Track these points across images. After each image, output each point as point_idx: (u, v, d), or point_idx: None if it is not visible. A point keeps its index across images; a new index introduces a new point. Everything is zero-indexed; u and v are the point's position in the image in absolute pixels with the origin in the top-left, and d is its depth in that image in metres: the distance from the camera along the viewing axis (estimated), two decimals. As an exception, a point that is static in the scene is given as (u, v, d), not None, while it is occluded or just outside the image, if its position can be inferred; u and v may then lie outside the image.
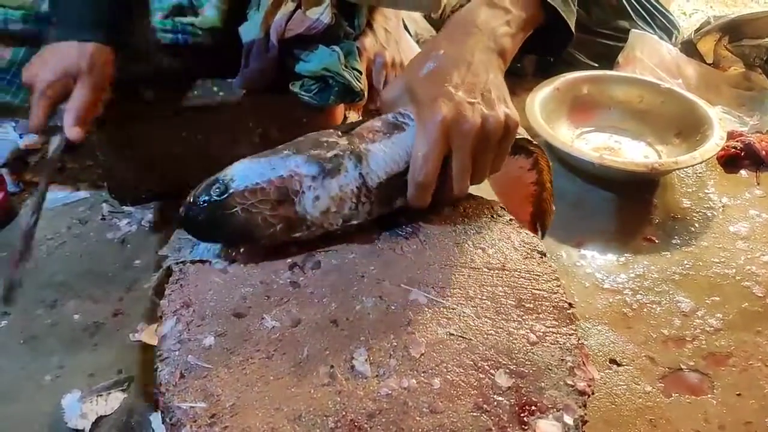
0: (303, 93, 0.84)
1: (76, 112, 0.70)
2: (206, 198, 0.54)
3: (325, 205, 0.55)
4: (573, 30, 0.66)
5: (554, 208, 0.73)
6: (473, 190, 0.64)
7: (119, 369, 0.74)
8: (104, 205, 0.98)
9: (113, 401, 0.70)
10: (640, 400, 0.73)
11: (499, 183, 0.73)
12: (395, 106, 0.62)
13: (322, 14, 0.82)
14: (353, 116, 0.96)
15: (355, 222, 0.58)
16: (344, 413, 0.45)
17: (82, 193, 1.00)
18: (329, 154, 0.56)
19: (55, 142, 0.68)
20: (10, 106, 0.88)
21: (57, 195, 1.00)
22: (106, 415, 0.69)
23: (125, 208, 0.97)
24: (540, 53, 0.69)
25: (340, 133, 0.59)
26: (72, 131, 0.70)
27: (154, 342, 0.75)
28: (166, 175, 0.96)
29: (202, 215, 0.54)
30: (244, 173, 0.55)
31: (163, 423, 0.48)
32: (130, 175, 0.95)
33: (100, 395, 0.70)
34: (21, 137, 1.10)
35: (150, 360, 0.74)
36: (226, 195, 0.54)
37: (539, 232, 0.72)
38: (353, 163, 0.56)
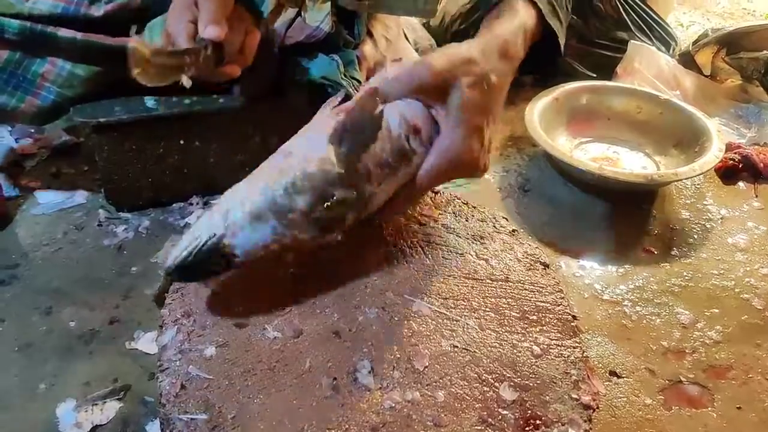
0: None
1: (207, 15, 0.70)
2: (207, 269, 0.53)
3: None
4: (562, 47, 0.69)
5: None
6: (474, 199, 0.64)
7: (115, 378, 0.72)
8: (101, 211, 0.97)
9: (109, 410, 0.69)
10: (640, 412, 0.73)
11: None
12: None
13: (322, 22, 0.82)
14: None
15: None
16: (347, 426, 0.45)
17: (79, 199, 0.99)
18: (334, 214, 0.53)
19: (203, 48, 0.69)
20: (6, 108, 0.87)
21: (53, 200, 0.99)
22: (101, 425, 0.67)
23: (122, 214, 0.97)
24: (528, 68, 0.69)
25: (340, 167, 0.53)
26: (209, 30, 0.70)
27: (151, 350, 0.75)
28: (164, 181, 0.95)
29: (200, 277, 0.54)
30: (245, 242, 0.52)
31: (162, 435, 0.47)
32: (128, 182, 0.94)
33: (96, 404, 0.69)
34: (17, 141, 1.09)
35: (147, 369, 0.74)
36: (227, 265, 0.53)
37: None
38: (354, 216, 0.55)
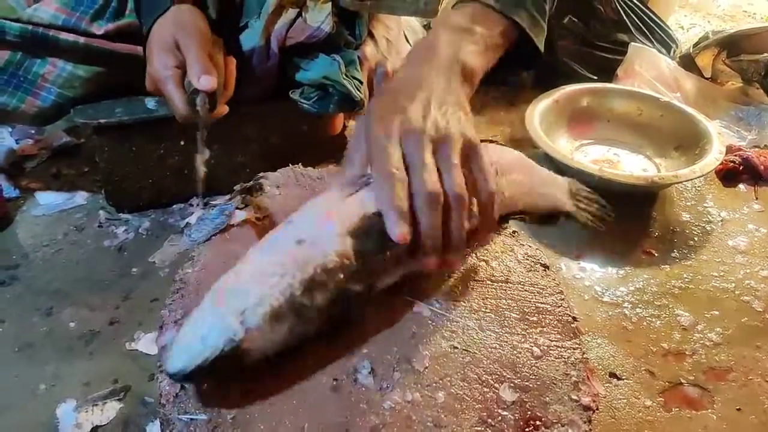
0: (303, 101, 0.84)
1: (196, 65, 0.69)
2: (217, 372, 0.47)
3: None
4: (541, 49, 0.66)
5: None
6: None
7: (115, 378, 0.73)
8: (101, 212, 0.97)
9: (109, 411, 0.69)
10: (640, 414, 0.73)
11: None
12: (355, 148, 0.57)
13: (323, 23, 0.82)
14: (353, 125, 0.96)
15: None
16: (347, 426, 0.45)
17: (79, 200, 1.00)
18: (347, 306, 0.51)
19: (200, 102, 0.68)
20: (6, 109, 0.88)
21: (53, 201, 0.99)
22: (101, 425, 0.68)
23: (122, 215, 0.97)
24: (511, 69, 0.67)
25: (358, 264, 0.50)
26: (203, 82, 0.68)
27: (151, 351, 0.75)
28: (164, 182, 0.96)
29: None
30: (264, 346, 0.47)
31: (162, 435, 0.47)
32: (128, 183, 0.94)
33: (96, 405, 0.69)
34: (17, 142, 1.09)
35: (147, 369, 0.74)
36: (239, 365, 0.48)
37: None
38: (359, 304, 0.52)
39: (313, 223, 0.51)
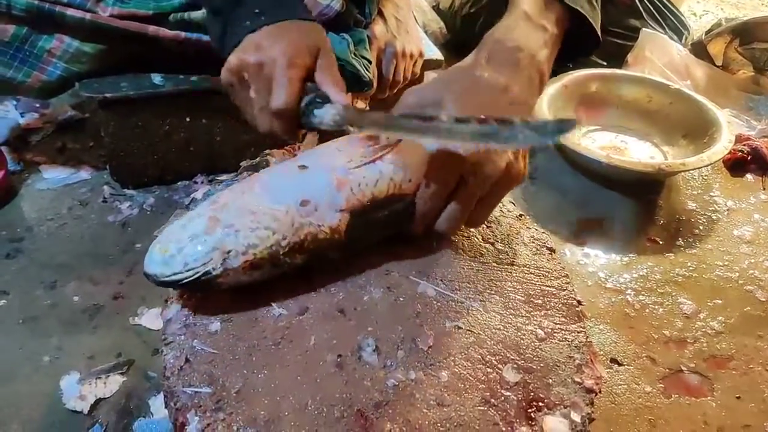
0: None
1: (337, 83, 0.60)
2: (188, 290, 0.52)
3: None
4: (600, 35, 0.62)
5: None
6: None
7: (119, 352, 0.73)
8: (106, 187, 0.97)
9: (112, 384, 0.69)
10: (640, 400, 0.73)
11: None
12: (412, 110, 0.57)
13: (332, 1, 0.81)
14: (361, 105, 0.95)
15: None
16: (351, 403, 0.45)
17: (84, 175, 0.99)
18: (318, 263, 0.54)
19: (329, 112, 0.56)
20: (12, 83, 0.87)
21: (58, 175, 0.99)
22: (105, 398, 0.68)
23: (127, 191, 0.97)
24: (563, 62, 0.63)
25: (347, 238, 0.53)
26: (340, 98, 0.58)
27: (155, 326, 0.76)
28: (169, 159, 0.95)
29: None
30: (236, 282, 0.51)
31: (166, 407, 0.47)
32: (133, 158, 0.94)
33: (99, 378, 0.70)
34: (22, 116, 1.09)
35: (150, 344, 0.74)
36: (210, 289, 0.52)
37: None
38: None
39: (323, 185, 0.52)
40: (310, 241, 0.51)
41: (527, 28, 0.58)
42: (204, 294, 0.52)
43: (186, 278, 0.48)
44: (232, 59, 0.61)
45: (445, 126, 0.48)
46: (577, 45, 0.62)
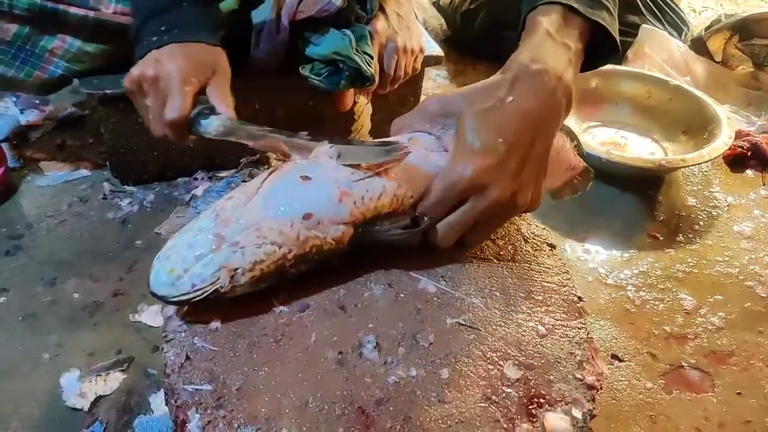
0: (313, 76, 0.83)
1: (225, 98, 0.65)
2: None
3: None
4: (618, 44, 0.61)
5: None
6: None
7: (119, 349, 0.73)
8: (105, 184, 0.97)
9: (112, 381, 0.69)
10: (641, 396, 0.73)
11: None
12: (431, 117, 0.58)
13: (333, -3, 0.81)
14: (362, 101, 0.95)
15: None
16: (351, 400, 0.45)
17: (84, 171, 0.99)
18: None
19: (213, 123, 0.62)
20: (14, 81, 0.87)
21: (58, 172, 0.99)
22: (105, 395, 0.68)
23: (127, 187, 0.97)
24: (582, 71, 0.63)
25: (349, 246, 0.53)
26: (227, 110, 0.64)
27: (155, 323, 0.76)
28: (169, 155, 0.95)
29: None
30: (242, 294, 0.51)
31: (167, 404, 0.47)
32: (133, 155, 0.94)
33: (100, 375, 0.70)
34: (22, 113, 1.09)
35: (150, 341, 0.74)
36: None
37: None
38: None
39: (326, 198, 0.52)
40: (315, 253, 0.51)
41: (552, 47, 0.56)
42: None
43: (195, 297, 0.48)
44: (134, 70, 0.65)
45: (303, 143, 0.55)
46: (596, 54, 0.61)
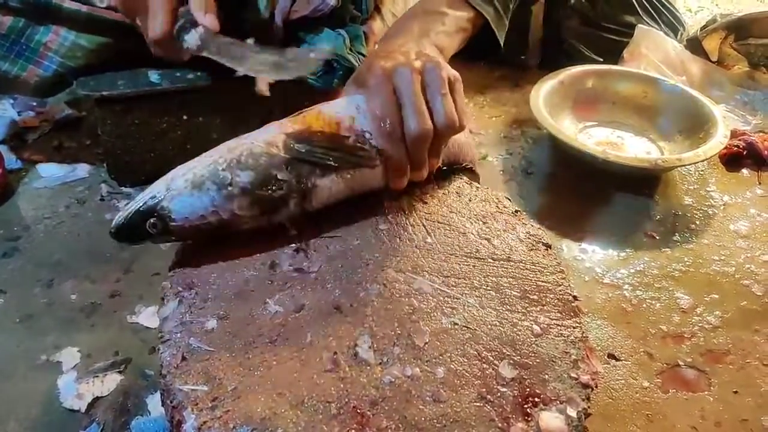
0: (308, 76, 0.83)
1: (204, 7, 0.64)
2: (144, 230, 0.54)
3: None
4: (501, 42, 0.71)
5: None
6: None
7: (116, 350, 0.73)
8: (103, 185, 0.97)
9: (110, 383, 0.69)
10: (638, 395, 0.73)
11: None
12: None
13: (328, -4, 0.81)
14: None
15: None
16: (347, 400, 0.45)
17: (81, 173, 0.99)
18: (275, 195, 0.54)
19: (193, 36, 0.62)
20: (7, 77, 0.87)
21: (55, 174, 0.99)
22: (102, 396, 0.68)
23: (124, 189, 0.97)
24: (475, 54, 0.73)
25: (286, 153, 0.55)
26: (209, 19, 0.63)
27: (152, 324, 0.76)
28: (166, 157, 0.95)
29: (136, 241, 0.55)
30: (182, 208, 0.53)
31: (163, 405, 0.47)
32: (130, 156, 0.94)
33: (97, 376, 0.70)
34: (19, 114, 1.09)
35: (147, 342, 0.74)
36: (163, 230, 0.54)
37: None
38: (295, 202, 0.56)
39: (260, 130, 0.57)
40: (246, 156, 0.53)
41: (420, 16, 0.65)
42: (164, 238, 0.55)
43: (134, 209, 0.52)
44: None
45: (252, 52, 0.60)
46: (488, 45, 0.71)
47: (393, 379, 0.47)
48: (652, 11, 1.37)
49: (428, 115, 0.56)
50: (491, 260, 0.58)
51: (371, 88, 0.57)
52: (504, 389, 0.47)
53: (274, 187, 0.54)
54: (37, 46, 0.85)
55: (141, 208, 0.53)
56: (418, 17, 0.64)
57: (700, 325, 0.82)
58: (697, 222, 1.00)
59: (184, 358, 0.47)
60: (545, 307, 0.54)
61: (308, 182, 0.56)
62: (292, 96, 0.93)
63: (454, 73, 0.58)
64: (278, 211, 0.55)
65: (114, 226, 0.53)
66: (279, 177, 0.54)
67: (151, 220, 0.53)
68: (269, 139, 0.55)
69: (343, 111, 0.59)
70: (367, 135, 0.57)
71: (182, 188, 0.53)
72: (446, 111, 0.56)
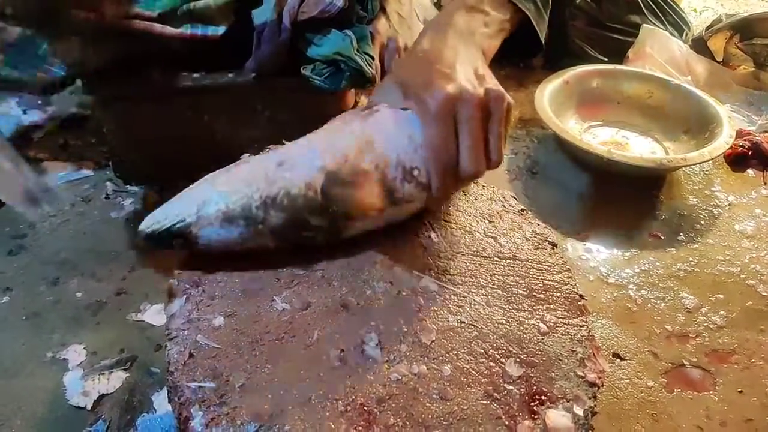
0: (314, 77, 0.83)
1: None
2: (170, 245, 0.55)
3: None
4: (543, 41, 0.66)
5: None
6: (482, 180, 0.63)
7: (122, 348, 0.73)
8: (108, 183, 0.97)
9: (115, 380, 0.70)
10: (643, 394, 0.73)
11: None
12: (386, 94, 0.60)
13: (335, -2, 0.81)
14: (364, 101, 0.95)
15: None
16: (354, 397, 0.45)
17: (86, 171, 1.00)
18: (305, 236, 0.54)
19: None
20: (20, 81, 0.87)
21: (61, 172, 0.99)
22: (107, 394, 0.68)
23: (129, 187, 0.97)
24: (513, 57, 0.68)
25: (324, 201, 0.53)
26: None
27: (157, 322, 0.76)
28: (171, 155, 0.95)
29: (165, 248, 0.55)
30: (211, 236, 0.53)
31: (170, 402, 0.47)
32: (136, 155, 0.94)
33: (102, 373, 0.70)
34: (25, 113, 1.09)
35: (153, 340, 0.74)
36: (189, 247, 0.54)
37: None
38: (324, 237, 0.55)
39: (302, 147, 0.55)
40: (283, 196, 0.52)
41: (463, 13, 0.61)
42: (187, 249, 0.55)
43: (162, 228, 0.52)
44: None
45: None
46: (524, 45, 0.66)
47: (400, 377, 0.47)
48: (658, 11, 1.37)
49: (484, 154, 0.54)
50: (497, 259, 0.58)
51: (432, 114, 0.53)
52: (511, 387, 0.47)
53: (305, 231, 0.53)
54: (44, 54, 0.85)
55: (171, 229, 0.53)
56: (462, 13, 0.60)
57: (705, 324, 0.82)
58: (702, 222, 1.00)
59: (191, 355, 0.47)
60: (552, 306, 0.54)
61: (341, 224, 0.54)
62: (295, 97, 0.93)
63: (510, 101, 0.55)
64: (305, 246, 0.55)
65: (143, 232, 0.54)
66: (312, 223, 0.53)
67: (180, 240, 0.53)
68: (309, 179, 0.52)
69: (393, 142, 0.54)
70: (416, 172, 0.54)
71: (213, 218, 0.52)
72: (499, 151, 0.55)
